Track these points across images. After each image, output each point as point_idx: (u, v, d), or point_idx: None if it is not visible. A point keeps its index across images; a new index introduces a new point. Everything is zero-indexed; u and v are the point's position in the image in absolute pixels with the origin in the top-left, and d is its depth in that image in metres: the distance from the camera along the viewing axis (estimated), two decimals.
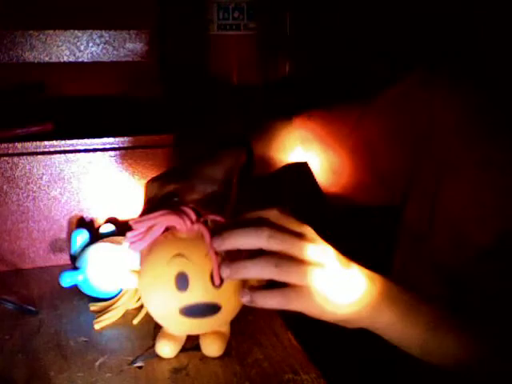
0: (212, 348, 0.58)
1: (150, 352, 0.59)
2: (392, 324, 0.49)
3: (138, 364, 0.57)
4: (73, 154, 0.81)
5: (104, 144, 0.82)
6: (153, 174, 0.84)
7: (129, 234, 0.54)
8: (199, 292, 0.53)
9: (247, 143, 0.70)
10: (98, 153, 0.82)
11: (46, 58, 0.93)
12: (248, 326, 0.64)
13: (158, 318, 0.57)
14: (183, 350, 0.60)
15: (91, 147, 0.82)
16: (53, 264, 0.83)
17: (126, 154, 0.83)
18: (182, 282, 0.53)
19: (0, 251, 0.80)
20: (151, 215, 0.54)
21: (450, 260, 0.58)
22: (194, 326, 0.56)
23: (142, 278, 0.57)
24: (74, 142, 0.81)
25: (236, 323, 0.61)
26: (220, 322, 0.57)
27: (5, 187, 0.79)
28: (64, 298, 0.73)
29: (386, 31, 0.86)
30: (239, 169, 0.66)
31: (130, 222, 0.54)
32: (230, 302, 0.55)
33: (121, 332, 0.64)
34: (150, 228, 0.53)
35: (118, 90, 0.97)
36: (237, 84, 1.00)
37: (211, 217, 0.55)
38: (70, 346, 0.61)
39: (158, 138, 0.85)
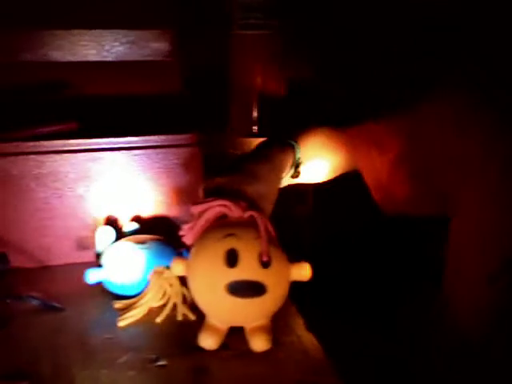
0: (260, 342, 0.59)
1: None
2: None
3: (161, 363, 0.58)
4: (98, 153, 0.82)
5: (128, 143, 0.83)
6: (176, 172, 0.85)
7: (184, 226, 0.59)
8: (248, 269, 0.55)
9: (296, 144, 0.69)
10: (123, 151, 0.83)
11: (73, 58, 0.94)
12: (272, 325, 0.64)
13: (204, 299, 0.59)
14: (205, 350, 0.60)
15: (116, 146, 0.83)
16: (78, 261, 0.84)
17: (150, 153, 0.84)
18: (231, 257, 0.55)
19: (27, 248, 0.82)
20: (206, 201, 0.58)
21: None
22: (237, 309, 0.57)
23: (191, 260, 0.58)
24: (99, 140, 0.82)
25: None
26: (262, 309, 0.58)
27: (32, 185, 0.80)
28: (89, 295, 0.74)
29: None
30: (288, 169, 0.67)
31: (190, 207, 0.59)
32: (276, 286, 0.56)
33: (145, 330, 0.65)
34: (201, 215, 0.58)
35: (141, 88, 0.98)
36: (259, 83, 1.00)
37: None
38: (94, 343, 0.62)
39: (182, 137, 0.86)
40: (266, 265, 0.55)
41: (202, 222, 0.58)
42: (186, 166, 0.85)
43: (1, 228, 0.80)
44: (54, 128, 0.82)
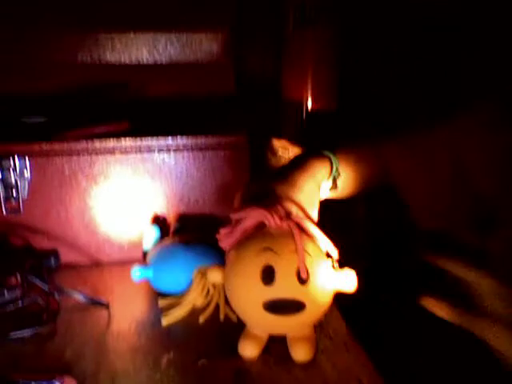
0: (301, 352, 0.57)
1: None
2: None
3: (201, 363, 0.57)
4: (148, 153, 0.83)
5: (178, 144, 0.84)
6: (225, 174, 0.85)
7: (221, 231, 0.57)
8: (285, 287, 0.53)
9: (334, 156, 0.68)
10: (172, 152, 0.84)
11: (127, 60, 0.96)
12: (315, 332, 0.63)
13: (241, 312, 0.57)
14: None
15: (166, 147, 0.83)
16: (127, 259, 0.85)
17: (200, 154, 0.84)
18: (268, 275, 0.53)
19: (77, 245, 0.84)
20: (244, 209, 0.56)
21: None
22: (276, 323, 0.55)
23: (228, 270, 0.57)
24: (150, 141, 0.83)
25: None
26: (303, 322, 0.56)
27: (83, 183, 0.82)
28: (135, 292, 0.75)
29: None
30: (326, 180, 0.66)
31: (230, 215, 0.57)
32: (314, 301, 0.54)
33: (187, 330, 0.65)
34: (239, 222, 0.56)
35: (194, 90, 0.99)
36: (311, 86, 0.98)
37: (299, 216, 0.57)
38: (138, 340, 0.62)
39: (232, 139, 0.85)
40: (303, 281, 0.53)
41: (239, 230, 0.56)
42: (234, 167, 0.85)
43: (53, 225, 0.83)
44: (106, 128, 0.84)
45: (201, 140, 0.84)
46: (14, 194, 0.81)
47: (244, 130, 0.87)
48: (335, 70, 0.96)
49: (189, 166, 0.84)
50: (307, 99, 0.95)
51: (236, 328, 0.63)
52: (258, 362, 0.57)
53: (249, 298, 0.55)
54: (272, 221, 0.55)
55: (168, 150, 0.83)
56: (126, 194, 0.83)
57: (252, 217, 0.55)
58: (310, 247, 0.55)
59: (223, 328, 0.64)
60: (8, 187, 0.81)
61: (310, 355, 0.57)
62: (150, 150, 0.83)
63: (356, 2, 0.91)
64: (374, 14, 0.87)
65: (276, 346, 0.59)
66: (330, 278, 0.55)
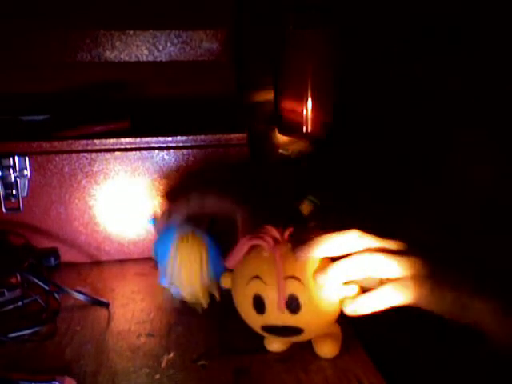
0: (326, 348, 0.57)
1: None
2: None
3: (201, 363, 0.57)
4: (147, 152, 0.83)
5: (178, 142, 0.83)
6: (224, 172, 0.84)
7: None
8: (276, 315, 0.53)
9: None
10: (172, 151, 0.83)
11: (126, 58, 0.96)
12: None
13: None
14: (247, 351, 0.59)
15: (165, 145, 0.83)
16: (126, 257, 0.85)
17: (199, 153, 0.84)
18: (258, 304, 0.53)
19: (77, 243, 0.84)
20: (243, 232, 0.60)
21: None
22: (281, 341, 0.58)
23: (232, 290, 0.58)
24: (149, 139, 0.83)
25: None
26: (310, 336, 0.57)
27: (83, 182, 0.82)
28: (136, 291, 0.75)
29: None
30: None
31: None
32: (311, 324, 0.54)
33: (188, 329, 0.65)
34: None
35: (193, 88, 0.98)
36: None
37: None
38: (138, 340, 0.62)
39: (232, 137, 0.85)
40: (293, 310, 0.52)
41: (237, 255, 0.56)
42: (235, 165, 0.84)
43: (53, 224, 0.82)
44: (106, 127, 0.84)
45: (200, 138, 0.84)
46: (14, 193, 0.81)
47: (244, 127, 0.87)
48: (335, 71, 0.96)
49: (189, 164, 0.84)
50: (307, 99, 0.95)
51: (236, 328, 0.64)
52: (258, 361, 0.57)
53: (248, 321, 0.56)
54: (264, 244, 0.54)
55: (168, 149, 0.83)
56: (125, 193, 0.83)
57: (246, 242, 0.56)
58: (304, 272, 0.53)
59: (223, 328, 0.64)
60: (8, 186, 0.81)
61: (336, 351, 0.57)
62: (149, 148, 0.83)
63: (356, 2, 0.91)
64: (374, 15, 0.87)
65: None
66: (331, 301, 0.53)
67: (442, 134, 0.71)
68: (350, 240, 0.52)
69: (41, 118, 0.90)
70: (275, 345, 0.59)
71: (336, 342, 0.58)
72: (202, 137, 0.84)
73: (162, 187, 0.84)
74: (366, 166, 0.87)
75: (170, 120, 0.91)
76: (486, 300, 0.49)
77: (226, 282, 0.60)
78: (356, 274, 0.51)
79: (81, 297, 0.68)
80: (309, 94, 0.96)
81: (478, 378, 0.54)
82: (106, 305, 0.69)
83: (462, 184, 0.66)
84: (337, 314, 0.55)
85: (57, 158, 0.80)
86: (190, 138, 0.84)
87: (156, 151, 0.83)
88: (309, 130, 0.97)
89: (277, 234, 0.55)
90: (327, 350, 0.57)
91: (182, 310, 0.67)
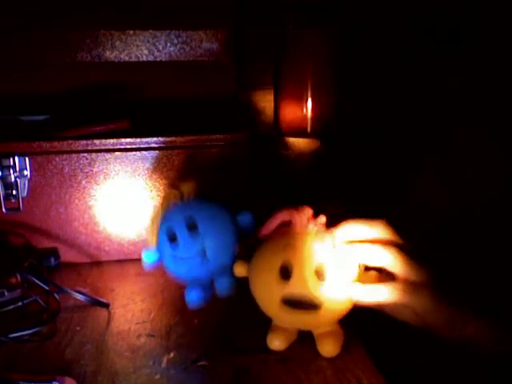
0: (328, 347, 0.58)
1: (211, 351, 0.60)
2: None
3: (201, 363, 0.57)
4: (147, 152, 0.83)
5: (178, 142, 0.83)
6: (226, 171, 0.84)
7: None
8: (301, 283, 0.54)
9: None
10: (172, 150, 0.83)
11: (126, 58, 0.96)
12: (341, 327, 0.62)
13: (263, 306, 0.59)
14: (246, 351, 0.59)
15: (165, 145, 0.83)
16: (126, 258, 0.85)
17: (200, 152, 0.84)
18: (286, 270, 0.55)
19: (77, 244, 0.84)
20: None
21: None
22: (296, 318, 0.57)
23: (252, 265, 0.59)
24: (149, 139, 0.83)
25: None
26: (323, 318, 0.57)
27: (83, 182, 0.82)
28: (136, 292, 0.75)
29: None
30: None
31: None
32: (331, 301, 0.55)
33: (187, 330, 0.65)
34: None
35: (193, 88, 0.98)
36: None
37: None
38: (138, 340, 0.62)
39: (232, 137, 0.85)
40: (320, 275, 0.54)
41: (269, 224, 0.60)
42: (234, 165, 0.84)
43: (53, 224, 0.82)
44: (106, 127, 0.84)
45: (200, 138, 0.84)
46: (14, 193, 0.81)
47: (244, 127, 0.87)
48: (335, 71, 0.96)
49: (188, 163, 0.84)
50: (307, 99, 0.95)
51: (236, 328, 0.64)
52: (259, 361, 0.57)
53: (268, 292, 0.57)
54: (298, 220, 0.58)
55: (168, 148, 0.83)
56: (125, 193, 0.83)
57: (281, 214, 0.59)
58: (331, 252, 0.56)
59: (223, 328, 0.64)
60: (8, 186, 0.80)
61: (337, 351, 0.58)
62: (149, 148, 0.83)
63: (356, 2, 0.91)
64: (374, 15, 0.87)
65: None
66: (352, 284, 0.55)
67: (442, 133, 0.71)
68: (376, 228, 0.55)
69: (41, 118, 0.90)
70: (277, 342, 0.58)
71: (338, 341, 0.58)
72: (202, 137, 0.84)
73: (161, 187, 0.84)
74: (366, 166, 0.87)
75: (170, 120, 0.91)
76: (482, 320, 0.50)
77: (239, 271, 0.61)
78: (371, 260, 0.54)
79: (81, 297, 0.68)
80: (309, 93, 0.96)
81: (477, 378, 0.54)
82: (106, 305, 0.69)
83: (462, 184, 0.66)
84: (351, 303, 0.56)
85: (57, 159, 0.80)
86: (190, 137, 0.84)
87: (156, 151, 0.83)
88: (309, 130, 0.97)
89: (310, 214, 0.59)
90: (328, 348, 0.57)
91: (182, 310, 0.67)
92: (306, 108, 0.96)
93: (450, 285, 0.52)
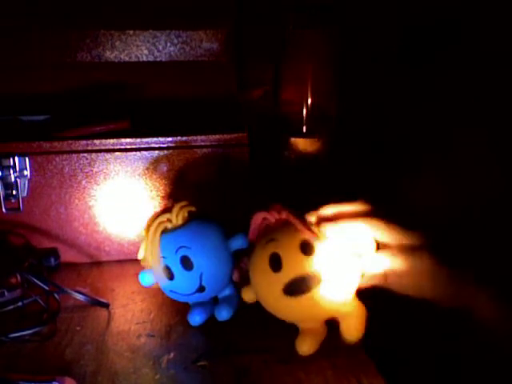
0: (305, 345, 0.58)
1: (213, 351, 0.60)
2: None
3: (201, 363, 0.57)
4: (147, 152, 0.83)
5: (178, 142, 0.83)
6: (224, 172, 0.84)
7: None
8: (293, 266, 0.55)
9: None
10: (172, 151, 0.83)
11: (126, 58, 0.96)
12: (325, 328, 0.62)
13: (266, 304, 0.59)
14: (246, 351, 0.59)
15: (165, 145, 0.83)
16: (126, 258, 0.85)
17: (200, 153, 0.84)
18: (275, 261, 0.55)
19: (77, 244, 0.84)
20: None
21: None
22: (305, 304, 0.55)
23: (250, 269, 0.60)
24: (149, 139, 0.83)
25: None
26: (331, 292, 0.55)
27: (83, 182, 0.82)
28: (136, 292, 0.75)
29: None
30: None
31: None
32: (328, 272, 0.54)
33: (187, 330, 0.65)
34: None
35: (193, 88, 0.98)
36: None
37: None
38: (138, 340, 0.62)
39: (232, 137, 0.85)
40: (306, 250, 0.55)
41: (251, 230, 0.62)
42: (234, 165, 0.84)
43: (53, 224, 0.82)
44: (106, 127, 0.84)
45: (200, 138, 0.84)
46: (14, 193, 0.81)
47: (244, 127, 0.87)
48: (335, 71, 0.96)
49: (189, 164, 0.84)
50: (307, 100, 0.95)
51: (236, 328, 0.64)
52: (259, 361, 0.57)
53: (269, 291, 0.57)
54: (271, 216, 0.59)
55: (168, 149, 0.83)
56: (125, 193, 0.83)
57: (256, 217, 0.61)
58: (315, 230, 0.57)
59: (223, 328, 0.64)
60: (8, 186, 0.81)
61: (312, 350, 0.57)
62: (149, 148, 0.83)
63: (356, 2, 0.91)
64: (374, 14, 0.86)
65: (276, 345, 0.59)
66: (339, 253, 0.55)
67: (442, 133, 0.71)
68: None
69: (41, 118, 0.90)
70: (305, 347, 0.58)
71: (315, 339, 0.58)
72: (202, 137, 0.84)
73: (161, 187, 0.84)
74: (366, 165, 0.87)
75: (170, 120, 0.91)
76: (481, 285, 0.49)
77: (248, 298, 0.62)
78: (361, 234, 0.54)
79: (81, 297, 0.68)
80: (309, 93, 0.96)
81: (478, 378, 0.54)
82: (105, 305, 0.69)
83: (462, 183, 0.66)
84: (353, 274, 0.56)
85: (57, 159, 0.80)
86: (190, 138, 0.84)
87: (156, 151, 0.83)
88: (308, 130, 0.97)
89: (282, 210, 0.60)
90: (305, 346, 0.57)
91: (182, 310, 0.67)
92: (306, 108, 0.96)
93: (448, 246, 0.52)
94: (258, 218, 0.61)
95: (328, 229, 0.56)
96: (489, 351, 0.50)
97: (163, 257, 0.63)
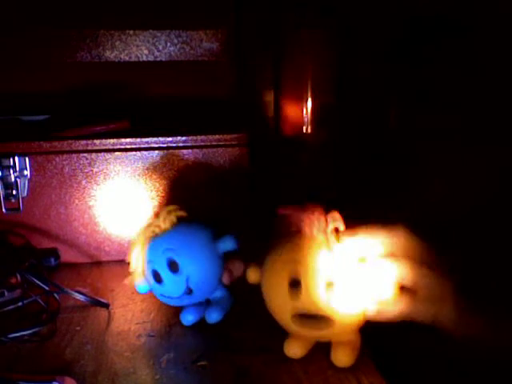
0: (342, 357, 0.56)
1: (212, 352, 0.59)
2: None
3: (201, 363, 0.57)
4: (147, 152, 0.83)
5: (178, 142, 0.83)
6: (225, 172, 0.84)
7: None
8: (310, 299, 0.52)
9: None
10: (173, 151, 0.83)
11: (126, 58, 0.96)
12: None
13: (276, 317, 0.57)
14: (246, 351, 0.59)
15: (165, 145, 0.83)
16: (127, 258, 0.85)
17: (200, 153, 0.84)
18: (294, 285, 0.53)
19: (77, 244, 0.84)
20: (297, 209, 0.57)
21: None
22: (308, 332, 0.55)
23: (262, 276, 0.57)
24: (149, 139, 0.83)
25: None
26: (337, 331, 0.55)
27: (83, 182, 0.82)
28: (136, 292, 0.74)
29: None
30: None
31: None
32: (344, 314, 0.53)
33: (187, 330, 0.65)
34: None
35: (193, 88, 0.98)
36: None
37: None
38: (138, 340, 0.62)
39: (232, 137, 0.85)
40: (327, 290, 0.52)
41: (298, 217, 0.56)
42: (235, 165, 0.84)
43: (53, 224, 0.82)
44: (106, 127, 0.84)
45: (200, 138, 0.84)
46: (14, 193, 0.81)
47: (244, 127, 0.87)
48: (335, 71, 0.96)
49: (189, 164, 0.84)
50: (307, 99, 0.95)
51: (236, 328, 0.64)
52: (257, 361, 0.57)
53: (279, 306, 0.55)
54: (308, 224, 0.55)
55: (168, 149, 0.83)
56: (125, 193, 0.83)
57: (293, 214, 0.56)
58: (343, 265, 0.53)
59: (223, 328, 0.64)
60: (8, 186, 0.81)
61: (351, 361, 0.56)
62: (149, 148, 0.83)
63: (356, 2, 0.91)
64: (375, 14, 0.86)
65: (276, 345, 0.59)
66: (365, 299, 0.53)
67: (443, 133, 0.71)
68: (397, 240, 0.51)
69: (41, 118, 0.90)
70: (295, 350, 0.57)
71: (352, 351, 0.56)
72: (202, 137, 0.84)
73: (162, 187, 0.84)
74: (366, 166, 0.87)
75: (169, 120, 0.91)
76: (446, 298, 0.49)
77: (253, 278, 0.59)
78: (388, 275, 0.51)
79: (81, 297, 0.68)
80: (309, 93, 0.96)
81: (477, 378, 0.54)
82: (105, 305, 0.69)
83: (462, 184, 0.66)
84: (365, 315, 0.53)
85: (57, 159, 0.80)
86: (190, 138, 0.84)
87: (156, 151, 0.83)
88: (309, 130, 0.97)
89: (321, 216, 0.55)
90: (343, 359, 0.56)
91: None
92: (306, 108, 0.96)
93: (476, 294, 0.50)
94: (294, 216, 0.56)
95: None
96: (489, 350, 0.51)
97: (151, 261, 0.63)
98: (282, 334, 0.59)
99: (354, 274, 0.52)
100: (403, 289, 0.51)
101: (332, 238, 0.53)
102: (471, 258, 0.55)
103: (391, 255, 0.51)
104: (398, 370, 0.57)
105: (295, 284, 0.53)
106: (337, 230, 0.54)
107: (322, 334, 0.55)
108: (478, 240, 0.54)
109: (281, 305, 0.55)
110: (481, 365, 0.52)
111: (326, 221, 0.55)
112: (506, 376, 0.48)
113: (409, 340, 0.61)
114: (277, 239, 0.57)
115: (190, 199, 0.84)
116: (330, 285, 0.52)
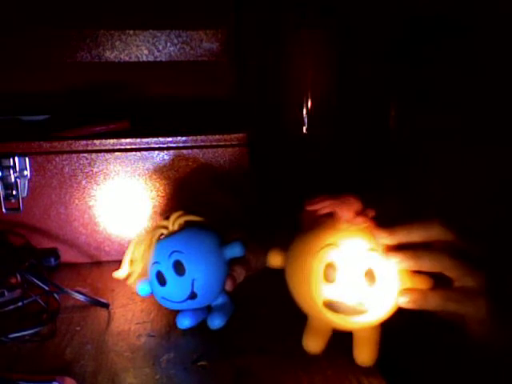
0: (364, 355, 0.55)
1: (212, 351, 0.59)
2: None
3: (201, 363, 0.57)
4: (147, 152, 0.83)
5: (178, 142, 0.83)
6: (225, 172, 0.85)
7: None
8: (345, 289, 0.51)
9: None
10: (172, 151, 0.83)
11: (126, 58, 0.96)
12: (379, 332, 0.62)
13: (302, 306, 0.55)
14: (247, 351, 0.59)
15: (165, 145, 0.83)
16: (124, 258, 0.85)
17: (199, 153, 0.84)
18: (329, 272, 0.51)
19: (77, 244, 0.84)
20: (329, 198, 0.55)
21: None
22: (339, 322, 0.53)
23: (289, 262, 0.55)
24: (149, 140, 0.83)
25: None
26: (368, 323, 0.53)
27: (83, 182, 0.82)
28: (135, 292, 0.74)
29: None
30: None
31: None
32: (378, 305, 0.51)
33: (188, 329, 0.64)
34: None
35: (193, 88, 0.99)
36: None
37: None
38: (138, 340, 0.62)
39: (232, 137, 0.85)
40: (368, 280, 0.50)
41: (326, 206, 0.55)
42: (235, 165, 0.84)
43: (53, 224, 0.82)
44: (106, 127, 0.84)
45: (200, 138, 0.84)
46: (14, 193, 0.81)
47: (244, 127, 0.87)
48: (335, 71, 0.96)
49: (189, 164, 0.84)
50: (307, 99, 0.95)
51: (236, 328, 0.64)
52: (259, 362, 0.57)
53: (309, 294, 0.52)
54: (345, 214, 0.53)
55: (168, 149, 0.83)
56: (125, 193, 0.83)
57: (327, 204, 0.54)
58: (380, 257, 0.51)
59: (223, 328, 0.64)
60: (8, 186, 0.81)
61: (372, 361, 0.55)
62: (149, 148, 0.83)
63: (356, 2, 0.91)
64: (375, 14, 0.86)
65: (276, 345, 0.59)
66: (401, 291, 0.52)
67: (442, 133, 0.71)
68: (432, 232, 0.51)
69: (41, 118, 0.90)
70: (314, 345, 0.55)
71: (373, 350, 0.55)
72: (202, 137, 0.84)
73: (162, 187, 0.84)
74: (366, 165, 0.87)
75: (169, 120, 0.91)
76: (477, 299, 0.49)
77: (275, 262, 0.56)
78: (428, 267, 0.50)
79: (81, 297, 0.68)
80: (309, 94, 0.96)
81: (478, 378, 0.54)
82: (105, 305, 0.69)
83: (462, 184, 0.66)
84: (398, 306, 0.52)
85: (57, 159, 0.80)
86: (190, 138, 0.84)
87: (156, 151, 0.83)
88: (308, 130, 0.97)
89: (357, 206, 0.54)
90: (365, 357, 0.55)
91: None
92: (306, 108, 0.96)
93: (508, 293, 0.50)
94: (328, 207, 0.54)
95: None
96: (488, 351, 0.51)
97: (157, 262, 0.62)
98: (282, 334, 0.59)
99: (394, 265, 0.51)
100: (439, 283, 0.51)
101: (371, 226, 0.52)
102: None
103: (430, 249, 0.50)
104: (398, 370, 0.57)
105: (329, 271, 0.51)
106: (372, 219, 0.53)
107: (352, 321, 0.52)
108: (478, 240, 0.54)
109: (312, 291, 0.52)
110: (494, 368, 0.52)
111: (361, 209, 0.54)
112: None
113: (409, 340, 0.61)
114: (307, 227, 0.55)
115: (189, 199, 0.85)
116: (368, 274, 0.50)
